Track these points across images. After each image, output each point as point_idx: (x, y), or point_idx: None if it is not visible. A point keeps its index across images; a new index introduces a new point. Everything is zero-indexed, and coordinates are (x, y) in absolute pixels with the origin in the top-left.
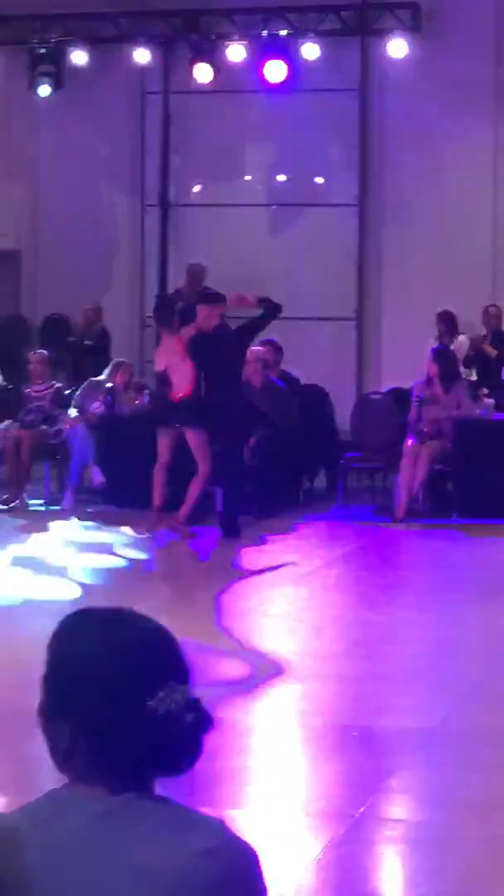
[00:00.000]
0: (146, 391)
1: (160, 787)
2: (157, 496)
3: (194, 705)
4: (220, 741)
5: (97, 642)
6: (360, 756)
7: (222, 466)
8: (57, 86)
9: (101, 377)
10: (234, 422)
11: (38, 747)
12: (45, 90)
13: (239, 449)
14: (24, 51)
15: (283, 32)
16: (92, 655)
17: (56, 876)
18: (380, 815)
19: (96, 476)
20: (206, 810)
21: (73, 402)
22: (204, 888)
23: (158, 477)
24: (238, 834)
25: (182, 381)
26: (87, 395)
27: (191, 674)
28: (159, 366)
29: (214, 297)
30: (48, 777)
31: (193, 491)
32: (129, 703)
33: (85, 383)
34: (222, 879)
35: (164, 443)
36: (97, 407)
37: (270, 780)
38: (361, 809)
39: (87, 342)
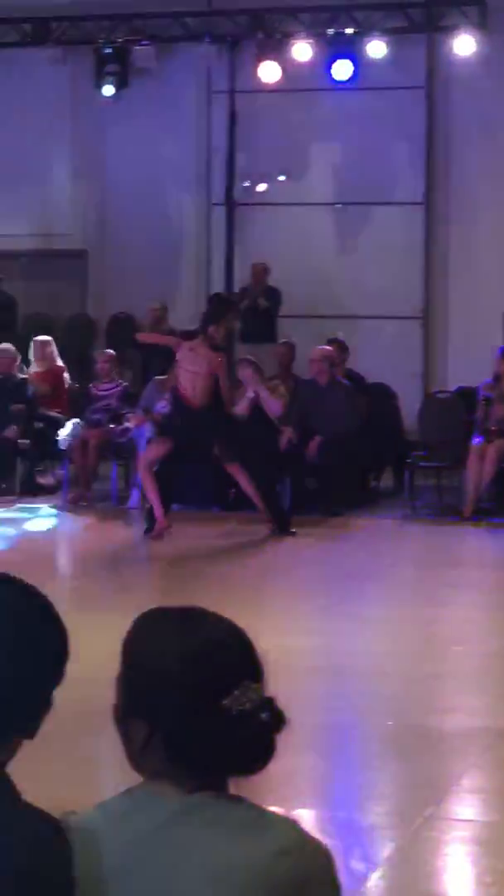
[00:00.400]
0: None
1: (233, 787)
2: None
3: (268, 704)
4: (289, 740)
5: (171, 642)
6: (429, 756)
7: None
8: (123, 85)
9: (167, 376)
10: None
11: (102, 745)
12: (110, 90)
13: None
14: (91, 51)
15: (349, 30)
16: (166, 655)
17: (133, 874)
18: (449, 816)
19: None
20: (275, 810)
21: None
22: (279, 888)
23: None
24: (311, 834)
25: (202, 390)
26: (154, 395)
27: (264, 673)
28: (181, 354)
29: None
30: (113, 775)
31: (249, 487)
32: (204, 701)
33: (151, 382)
34: (297, 879)
35: (162, 448)
36: (163, 406)
37: (339, 780)
38: (430, 810)
39: None
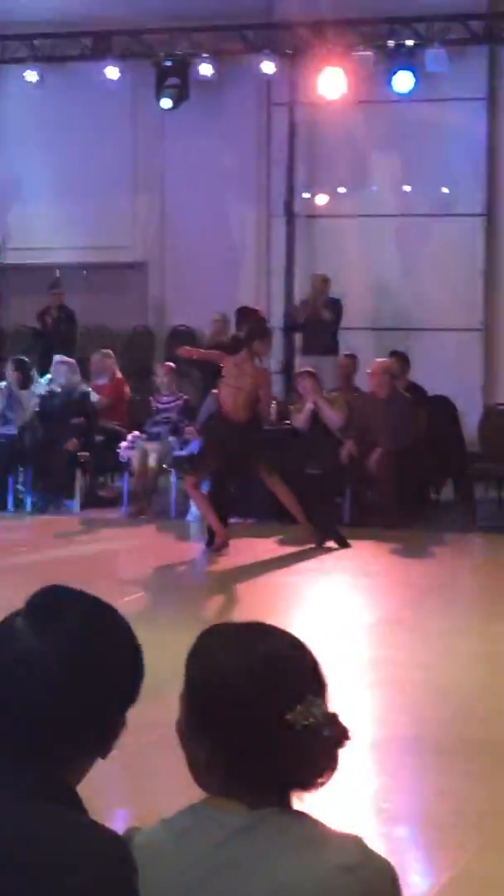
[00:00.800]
0: (274, 403)
1: (296, 802)
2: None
3: (332, 719)
4: (349, 755)
5: (235, 657)
6: (492, 770)
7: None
8: (183, 98)
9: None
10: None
11: (162, 759)
12: (170, 102)
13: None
14: (152, 64)
15: (410, 42)
16: (230, 670)
17: (197, 891)
18: None
19: None
20: (339, 826)
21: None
22: None
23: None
24: (375, 851)
25: (243, 405)
26: (212, 408)
27: (327, 687)
28: (227, 370)
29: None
30: (172, 788)
31: (288, 500)
32: (268, 717)
33: (209, 396)
34: None
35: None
36: None
37: (400, 795)
38: (495, 825)
39: None
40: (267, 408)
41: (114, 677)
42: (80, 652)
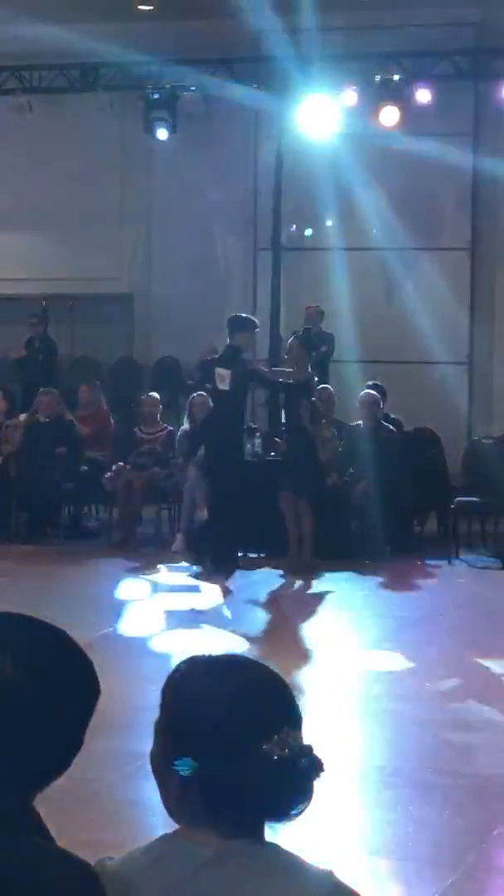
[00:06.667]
0: (257, 434)
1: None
2: None
3: (307, 751)
4: (328, 786)
5: (211, 688)
6: (471, 803)
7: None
8: (171, 130)
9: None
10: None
11: (145, 790)
12: (159, 134)
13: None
14: (140, 96)
15: (396, 77)
16: (206, 701)
17: None
18: (491, 863)
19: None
20: (311, 857)
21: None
22: None
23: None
24: (346, 883)
25: None
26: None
27: (302, 720)
28: None
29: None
30: (146, 821)
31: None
32: (243, 748)
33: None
34: None
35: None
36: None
37: (381, 827)
38: (472, 857)
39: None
40: None
41: (78, 693)
42: (49, 671)
